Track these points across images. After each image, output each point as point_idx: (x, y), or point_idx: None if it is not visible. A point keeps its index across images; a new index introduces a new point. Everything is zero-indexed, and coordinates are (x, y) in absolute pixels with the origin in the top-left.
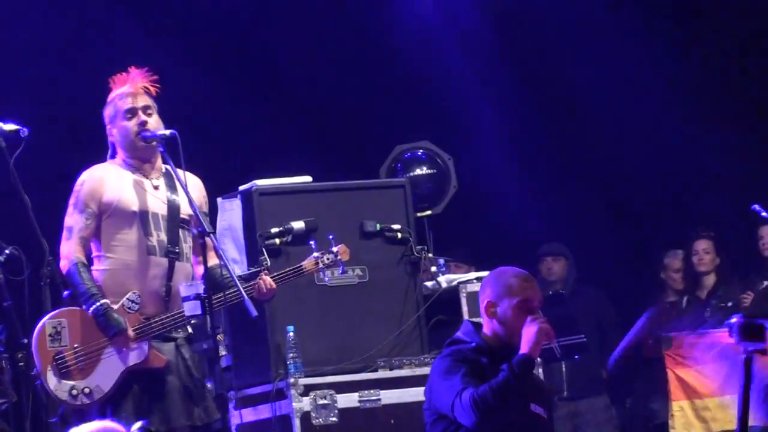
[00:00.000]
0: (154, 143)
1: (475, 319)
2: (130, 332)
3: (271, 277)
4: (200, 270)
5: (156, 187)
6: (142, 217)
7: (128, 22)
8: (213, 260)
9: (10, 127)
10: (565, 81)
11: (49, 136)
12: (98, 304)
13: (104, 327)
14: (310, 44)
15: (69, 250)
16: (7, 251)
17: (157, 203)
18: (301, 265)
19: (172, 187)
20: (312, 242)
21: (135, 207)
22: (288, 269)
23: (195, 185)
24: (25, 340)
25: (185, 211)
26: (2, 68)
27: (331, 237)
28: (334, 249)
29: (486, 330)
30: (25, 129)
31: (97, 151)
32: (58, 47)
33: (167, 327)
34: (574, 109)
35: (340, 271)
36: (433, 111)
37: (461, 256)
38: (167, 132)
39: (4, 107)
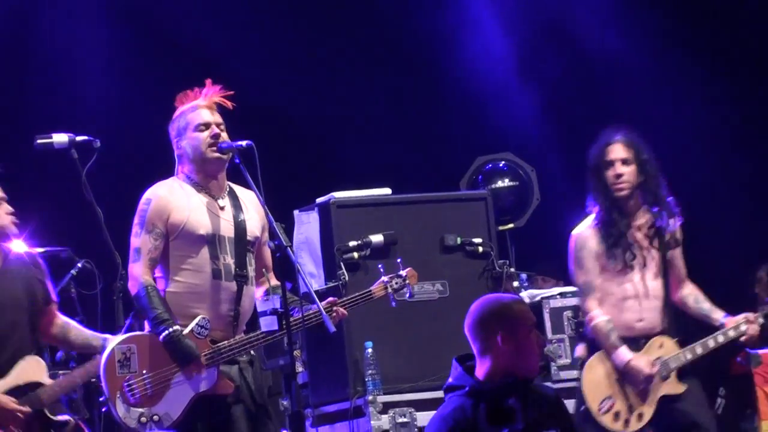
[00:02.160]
0: (226, 156)
1: (463, 355)
2: (203, 359)
3: (340, 303)
4: (260, 292)
5: (222, 208)
6: (210, 240)
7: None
8: (272, 281)
9: (82, 138)
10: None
11: (120, 148)
12: (171, 330)
13: (176, 354)
14: (390, 53)
15: (138, 272)
16: (79, 264)
17: (225, 225)
18: (370, 291)
19: (237, 207)
20: (380, 266)
21: (203, 230)
22: (356, 295)
23: (257, 205)
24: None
25: (252, 233)
26: (71, 83)
27: (399, 260)
28: (402, 273)
29: (485, 368)
30: (97, 140)
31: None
32: (126, 62)
33: (237, 352)
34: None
35: (408, 296)
36: (514, 121)
37: (548, 269)
38: (244, 143)
39: (74, 120)
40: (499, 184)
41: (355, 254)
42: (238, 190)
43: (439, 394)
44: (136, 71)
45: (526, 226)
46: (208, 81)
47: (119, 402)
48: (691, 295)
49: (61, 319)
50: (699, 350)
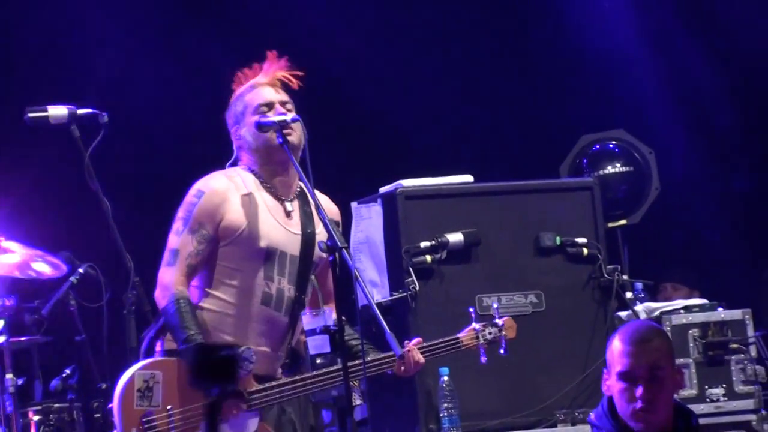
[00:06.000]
0: (272, 133)
1: None
2: (246, 394)
3: (420, 349)
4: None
5: (289, 214)
6: (269, 255)
7: None
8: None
9: (85, 111)
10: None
11: (134, 124)
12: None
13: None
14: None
15: (170, 279)
16: (81, 270)
17: (290, 240)
18: (458, 338)
19: (307, 215)
20: (471, 310)
21: (264, 241)
22: (441, 341)
23: (333, 213)
24: (103, 385)
25: (320, 251)
26: (73, 39)
27: (495, 306)
28: (499, 321)
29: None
30: (104, 114)
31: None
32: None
33: (288, 397)
34: None
35: (502, 351)
36: (629, 92)
37: (687, 277)
38: (288, 117)
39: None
40: (609, 169)
41: (428, 257)
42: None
43: None
44: (156, 22)
45: (643, 222)
46: (271, 54)
47: None
48: None
49: None
50: None
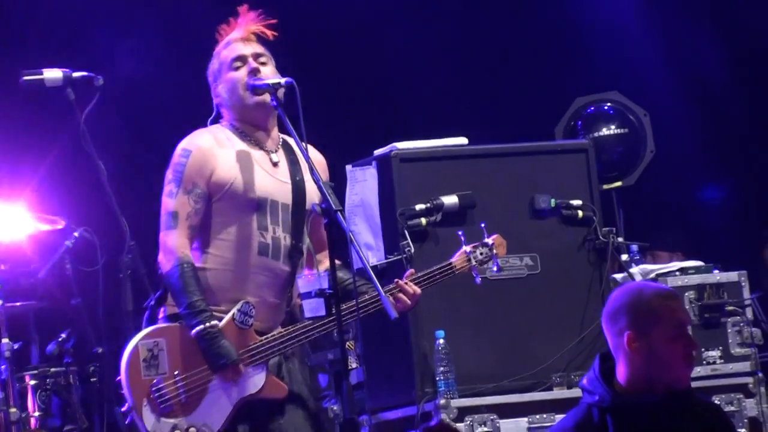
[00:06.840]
0: (266, 96)
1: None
2: (242, 366)
3: (414, 280)
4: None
5: (276, 164)
6: (261, 205)
7: None
8: (326, 262)
9: (80, 74)
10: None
11: (129, 88)
12: (206, 326)
13: (209, 355)
14: None
15: (174, 243)
16: (76, 234)
17: (280, 188)
18: (450, 263)
19: (294, 163)
20: (460, 233)
21: (253, 192)
22: (434, 269)
23: (319, 163)
24: (99, 349)
25: (311, 198)
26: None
27: (483, 225)
28: (488, 240)
29: (622, 372)
30: (99, 77)
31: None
32: None
33: (291, 346)
34: None
35: (495, 269)
36: (623, 54)
37: (663, 241)
38: (282, 80)
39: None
40: (604, 131)
41: (423, 220)
42: (294, 143)
43: (529, 396)
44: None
45: (638, 184)
46: (243, 8)
47: (146, 411)
48: None
49: None
50: None
